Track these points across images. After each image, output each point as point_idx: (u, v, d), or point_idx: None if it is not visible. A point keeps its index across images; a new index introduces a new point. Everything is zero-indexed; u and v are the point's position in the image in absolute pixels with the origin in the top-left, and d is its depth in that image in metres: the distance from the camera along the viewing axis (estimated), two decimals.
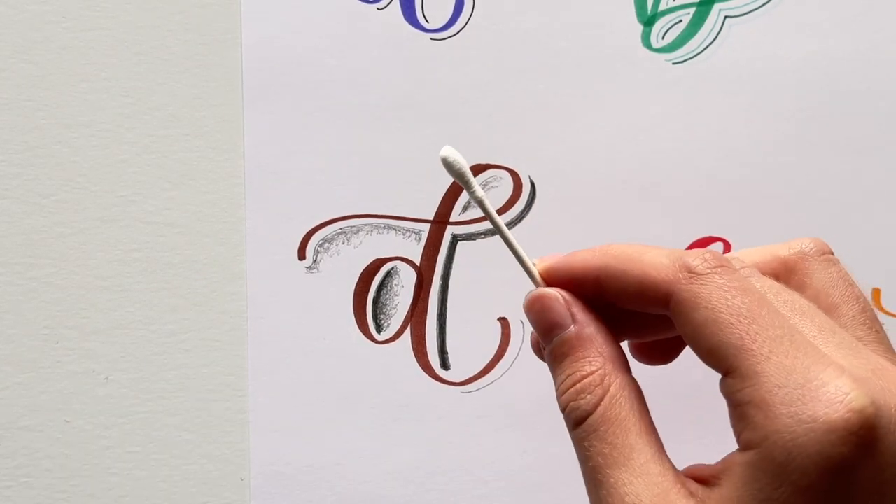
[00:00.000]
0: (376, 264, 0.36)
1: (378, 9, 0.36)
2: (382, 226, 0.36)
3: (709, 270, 0.26)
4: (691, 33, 0.36)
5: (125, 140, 0.37)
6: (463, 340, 0.36)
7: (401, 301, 0.36)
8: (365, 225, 0.36)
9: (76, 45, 0.36)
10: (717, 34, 0.35)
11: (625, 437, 0.27)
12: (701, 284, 0.26)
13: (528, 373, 0.36)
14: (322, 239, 0.36)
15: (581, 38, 0.36)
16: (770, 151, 0.36)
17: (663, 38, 0.36)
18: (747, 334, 0.25)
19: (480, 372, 0.36)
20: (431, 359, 0.36)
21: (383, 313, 0.36)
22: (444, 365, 0.36)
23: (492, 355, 0.36)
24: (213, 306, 0.36)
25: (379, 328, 0.36)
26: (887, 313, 0.36)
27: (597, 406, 0.27)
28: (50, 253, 0.37)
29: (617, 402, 0.27)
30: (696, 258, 0.26)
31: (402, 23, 0.36)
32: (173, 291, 0.37)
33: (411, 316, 0.36)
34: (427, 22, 0.36)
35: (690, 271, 0.26)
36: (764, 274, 0.28)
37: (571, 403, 0.28)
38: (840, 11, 0.35)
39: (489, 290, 0.36)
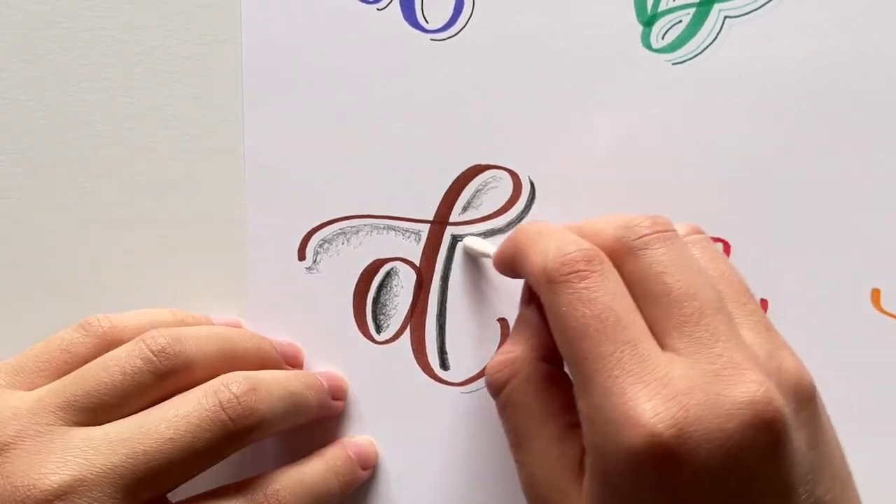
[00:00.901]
0: (376, 265, 0.36)
1: (378, 9, 0.36)
2: (382, 226, 0.36)
3: (561, 278, 0.27)
4: (691, 33, 0.36)
5: (125, 140, 0.37)
6: (462, 341, 0.36)
7: (400, 301, 0.36)
8: (365, 225, 0.36)
9: (76, 45, 0.36)
10: (717, 34, 0.35)
11: (526, 421, 0.29)
12: (553, 293, 0.27)
13: None
14: (322, 239, 0.36)
15: (581, 38, 0.36)
16: (770, 151, 0.36)
17: (663, 38, 0.36)
18: (579, 351, 0.26)
19: (480, 372, 0.36)
20: (431, 359, 0.36)
21: (383, 314, 0.36)
22: (444, 365, 0.36)
23: (491, 356, 0.36)
24: (212, 307, 0.36)
25: (378, 328, 0.36)
26: (887, 314, 0.36)
27: (504, 385, 0.30)
28: (50, 253, 0.37)
29: (521, 388, 0.29)
30: (556, 261, 0.27)
31: (402, 23, 0.36)
32: (173, 292, 0.37)
33: (411, 316, 0.36)
34: (427, 22, 0.36)
35: (548, 278, 0.27)
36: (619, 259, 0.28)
37: (487, 376, 0.30)
38: (840, 11, 0.35)
39: (489, 290, 0.36)
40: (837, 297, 0.36)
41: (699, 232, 0.30)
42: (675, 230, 0.28)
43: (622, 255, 0.27)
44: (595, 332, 0.25)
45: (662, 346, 0.26)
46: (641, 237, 0.27)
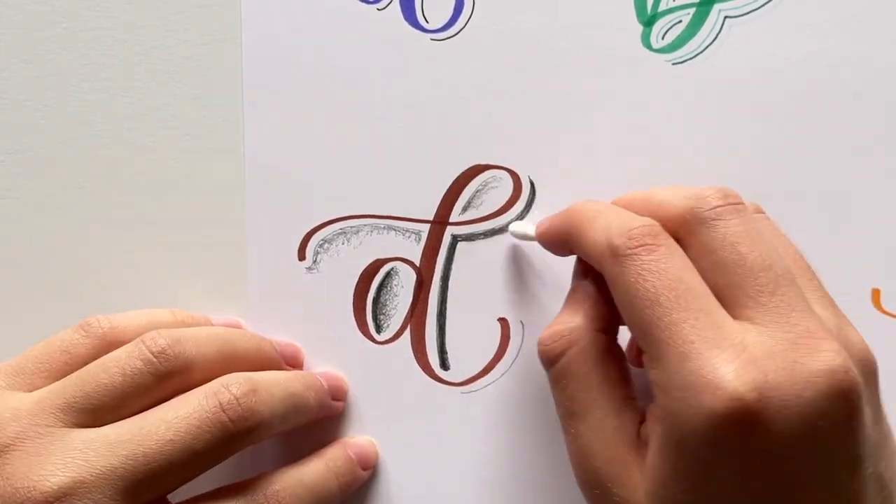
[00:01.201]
0: (376, 265, 0.36)
1: (378, 9, 0.36)
2: (382, 226, 0.36)
3: (629, 251, 0.27)
4: (691, 33, 0.36)
5: (125, 140, 0.37)
6: (463, 341, 0.36)
7: (400, 301, 0.36)
8: (365, 225, 0.36)
9: (76, 45, 0.36)
10: (717, 34, 0.35)
11: (586, 391, 0.28)
12: (620, 266, 0.27)
13: (528, 373, 0.36)
14: (322, 239, 0.36)
15: (581, 38, 0.36)
16: (770, 151, 0.36)
17: (663, 38, 0.36)
18: (651, 319, 0.25)
19: (480, 372, 0.36)
20: (431, 359, 0.36)
21: (383, 314, 0.36)
22: (444, 365, 0.36)
23: (492, 355, 0.36)
24: (212, 307, 0.36)
25: (379, 328, 0.36)
26: (887, 313, 0.36)
27: (561, 355, 0.29)
28: (50, 253, 0.37)
29: (580, 357, 0.29)
30: (621, 236, 0.27)
31: (402, 23, 0.36)
32: (173, 292, 0.37)
33: (411, 316, 0.36)
34: (427, 22, 0.36)
35: (614, 252, 0.27)
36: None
37: (541, 347, 0.30)
38: (840, 11, 0.35)
39: (489, 290, 0.36)
40: (837, 297, 0.36)
41: (761, 211, 0.31)
42: (745, 203, 0.28)
43: (693, 226, 0.27)
44: (667, 300, 0.25)
45: (736, 315, 0.26)
46: (714, 208, 0.27)
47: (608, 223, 0.28)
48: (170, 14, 0.36)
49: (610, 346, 0.29)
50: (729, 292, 0.26)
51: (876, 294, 0.36)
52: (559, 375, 0.29)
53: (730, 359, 0.24)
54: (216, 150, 0.37)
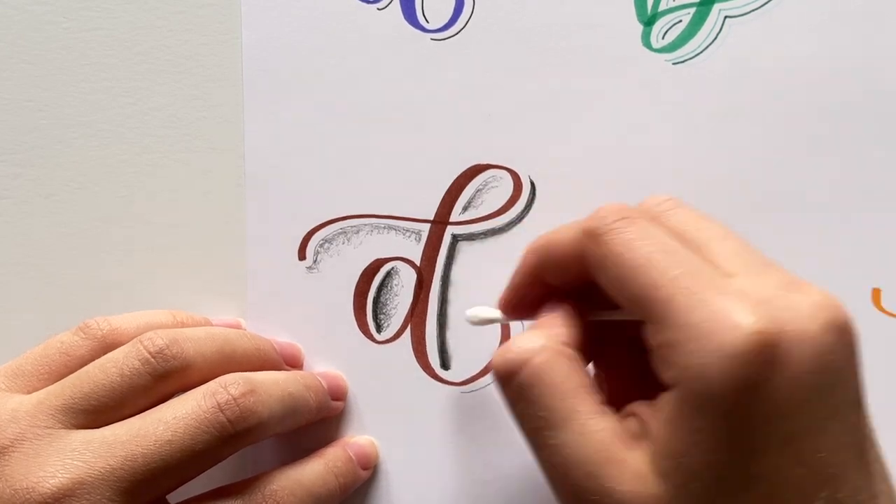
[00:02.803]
0: (376, 264, 0.36)
1: (378, 9, 0.36)
2: (382, 226, 0.36)
3: (607, 228, 0.27)
4: (691, 33, 0.36)
5: (125, 140, 0.37)
6: (463, 340, 0.36)
7: (401, 301, 0.36)
8: (365, 225, 0.36)
9: (76, 45, 0.36)
10: (718, 34, 0.35)
11: (562, 400, 0.27)
12: (604, 244, 0.27)
13: None
14: (322, 239, 0.36)
15: (581, 38, 0.36)
16: (770, 151, 0.36)
17: (663, 38, 0.36)
18: (648, 282, 0.25)
19: (480, 372, 0.36)
20: (431, 359, 0.36)
21: (383, 313, 0.36)
22: (445, 365, 0.36)
23: (492, 355, 0.36)
24: (212, 307, 0.36)
25: (379, 328, 0.36)
26: (888, 313, 0.36)
27: (522, 365, 0.27)
28: (50, 253, 0.37)
29: (548, 366, 0.27)
30: (595, 219, 0.27)
31: (403, 23, 0.36)
32: (173, 292, 0.37)
33: (411, 316, 0.36)
34: (427, 22, 0.36)
35: (592, 234, 0.27)
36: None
37: (496, 360, 0.28)
38: (840, 11, 0.35)
39: (489, 290, 0.36)
40: (838, 297, 0.36)
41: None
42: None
43: (656, 219, 0.28)
44: (662, 260, 0.25)
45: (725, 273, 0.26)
46: (659, 204, 0.28)
47: (572, 224, 0.28)
48: (170, 14, 0.36)
49: (577, 359, 0.28)
50: (713, 260, 0.26)
51: (876, 294, 0.36)
52: (525, 386, 0.27)
53: (738, 301, 0.24)
54: (216, 150, 0.37)
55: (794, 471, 0.24)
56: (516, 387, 0.28)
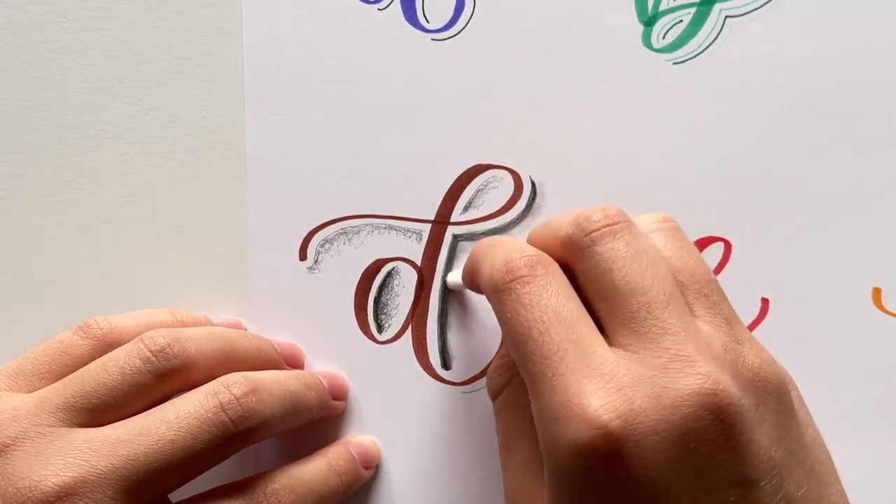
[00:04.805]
0: (377, 264, 0.36)
1: (379, 9, 0.36)
2: (383, 226, 0.36)
3: (504, 286, 0.27)
4: (692, 33, 0.36)
5: (125, 140, 0.37)
6: (464, 340, 0.36)
7: (402, 301, 0.36)
8: (366, 225, 0.36)
9: (76, 45, 0.36)
10: (718, 34, 0.36)
11: (519, 426, 0.29)
12: (499, 302, 0.27)
13: None
14: (323, 239, 0.36)
15: (581, 38, 0.36)
16: (770, 151, 0.36)
17: (663, 38, 0.36)
18: (525, 354, 0.26)
19: (481, 372, 0.36)
20: (432, 359, 0.36)
21: (384, 313, 0.36)
22: (446, 365, 0.36)
23: (492, 355, 0.36)
24: (212, 307, 0.36)
25: (380, 328, 0.36)
26: (888, 313, 0.36)
27: (502, 389, 0.30)
28: (50, 253, 0.37)
29: (514, 392, 0.29)
30: (500, 271, 0.27)
31: (403, 23, 0.36)
32: (174, 292, 0.37)
33: (412, 316, 0.36)
34: (428, 22, 0.36)
35: (494, 288, 0.27)
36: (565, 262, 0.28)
37: (487, 379, 0.31)
38: (840, 11, 0.35)
39: None
40: (838, 297, 0.36)
41: (668, 220, 0.29)
42: (626, 221, 0.27)
43: (574, 254, 0.27)
44: (538, 333, 0.25)
45: (613, 343, 0.26)
46: (589, 234, 0.27)
47: (495, 258, 0.28)
48: (170, 14, 0.36)
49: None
50: (606, 320, 0.26)
51: (877, 293, 0.36)
52: (500, 408, 0.30)
53: (596, 389, 0.24)
54: (216, 150, 0.37)
55: None
56: (496, 408, 0.31)
